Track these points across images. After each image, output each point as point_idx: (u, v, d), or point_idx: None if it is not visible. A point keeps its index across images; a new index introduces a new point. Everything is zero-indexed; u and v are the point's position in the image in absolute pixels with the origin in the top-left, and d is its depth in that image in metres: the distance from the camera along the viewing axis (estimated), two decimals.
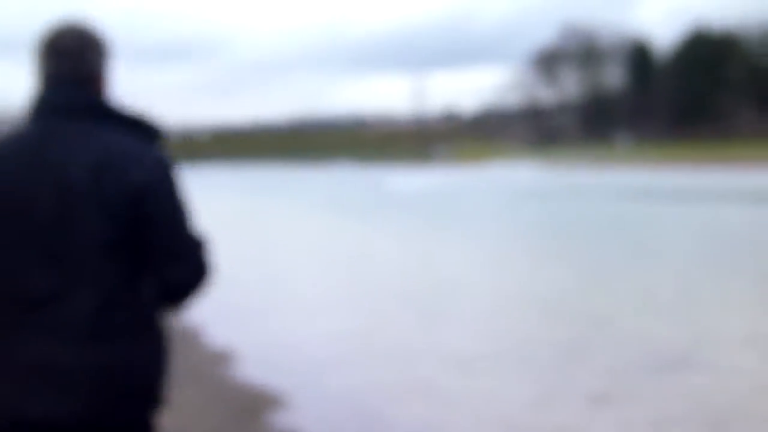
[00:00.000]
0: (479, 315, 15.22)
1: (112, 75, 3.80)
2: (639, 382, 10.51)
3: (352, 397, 10.33)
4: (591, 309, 15.49)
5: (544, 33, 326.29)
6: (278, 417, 9.37)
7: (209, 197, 67.48)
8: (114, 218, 3.46)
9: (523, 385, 10.54)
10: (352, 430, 9.14)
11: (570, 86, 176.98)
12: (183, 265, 3.55)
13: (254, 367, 11.74)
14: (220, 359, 12.10)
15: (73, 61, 3.62)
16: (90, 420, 3.46)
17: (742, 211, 36.46)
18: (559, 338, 12.91)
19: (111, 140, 3.54)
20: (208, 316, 15.70)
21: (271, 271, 22.61)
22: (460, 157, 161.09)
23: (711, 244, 25.73)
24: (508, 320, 14.62)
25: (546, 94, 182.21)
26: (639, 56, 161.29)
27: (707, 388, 10.16)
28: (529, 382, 10.65)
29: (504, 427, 9.05)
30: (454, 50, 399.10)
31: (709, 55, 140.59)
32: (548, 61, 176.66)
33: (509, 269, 21.67)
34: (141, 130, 3.67)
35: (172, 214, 3.54)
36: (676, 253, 23.79)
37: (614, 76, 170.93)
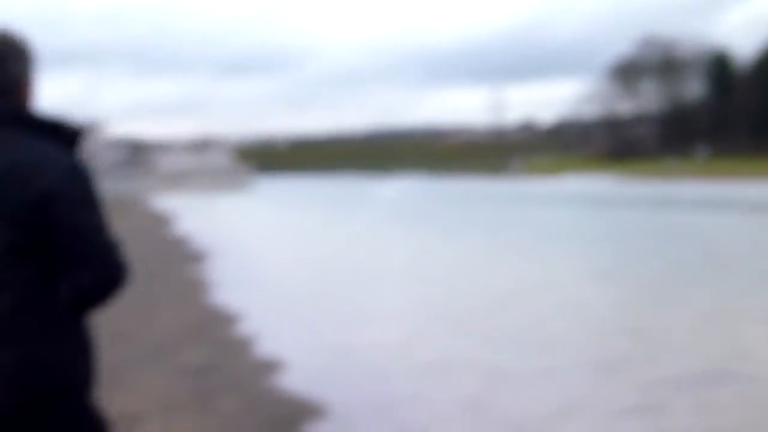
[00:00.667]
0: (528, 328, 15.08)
1: (37, 82, 3.82)
2: (673, 394, 10.32)
3: (393, 410, 10.29)
4: (640, 323, 15.25)
5: (622, 44, 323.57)
6: (315, 427, 9.35)
7: (280, 208, 68.10)
8: (19, 225, 3.50)
9: (553, 397, 10.40)
10: None
11: (648, 97, 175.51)
12: (92, 270, 3.57)
13: (299, 377, 11.74)
14: (265, 369, 12.10)
15: None
16: (3, 420, 3.51)
17: None
18: (604, 351, 12.74)
19: (26, 148, 3.58)
20: (259, 325, 15.81)
21: (327, 283, 22.67)
22: (536, 169, 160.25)
23: None
24: (552, 333, 14.44)
25: (624, 106, 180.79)
26: (719, 67, 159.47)
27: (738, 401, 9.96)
28: (561, 395, 10.51)
29: None
30: (531, 62, 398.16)
31: None
32: (626, 73, 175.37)
33: (561, 280, 21.43)
34: (61, 137, 3.69)
35: (81, 219, 3.57)
36: (741, 266, 23.34)
37: (693, 88, 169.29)
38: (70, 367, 3.64)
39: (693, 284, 20.04)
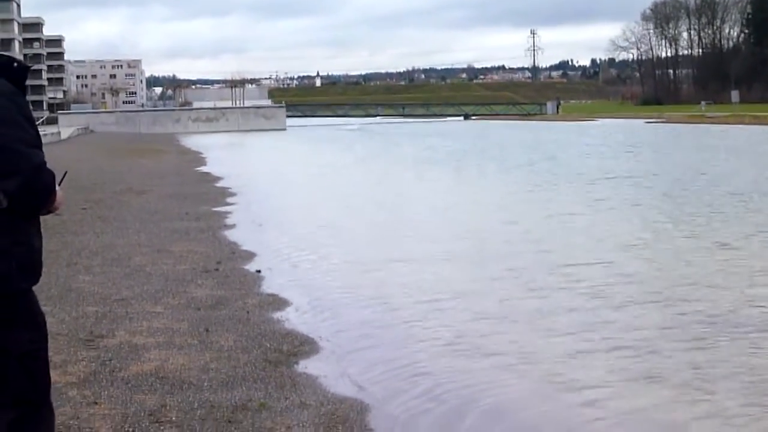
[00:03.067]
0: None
1: None
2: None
3: (386, 348, 10.64)
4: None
5: None
6: (307, 364, 9.69)
7: (313, 145, 68.18)
8: None
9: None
10: (376, 376, 9.42)
11: (686, 42, 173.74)
12: (17, 176, 4.26)
13: (298, 314, 12.12)
14: (269, 305, 12.45)
15: None
16: None
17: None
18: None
19: None
20: (272, 263, 16.20)
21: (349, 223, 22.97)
22: (573, 111, 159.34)
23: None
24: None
25: (661, 51, 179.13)
26: (758, 10, 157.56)
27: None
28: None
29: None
30: (570, 5, 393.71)
31: None
32: (665, 16, 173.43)
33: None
34: (4, 72, 4.41)
35: (6, 136, 4.24)
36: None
37: (733, 31, 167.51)
38: (5, 257, 4.30)
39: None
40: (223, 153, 62.78)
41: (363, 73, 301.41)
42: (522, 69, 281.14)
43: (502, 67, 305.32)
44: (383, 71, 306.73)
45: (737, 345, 10.44)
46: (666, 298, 12.93)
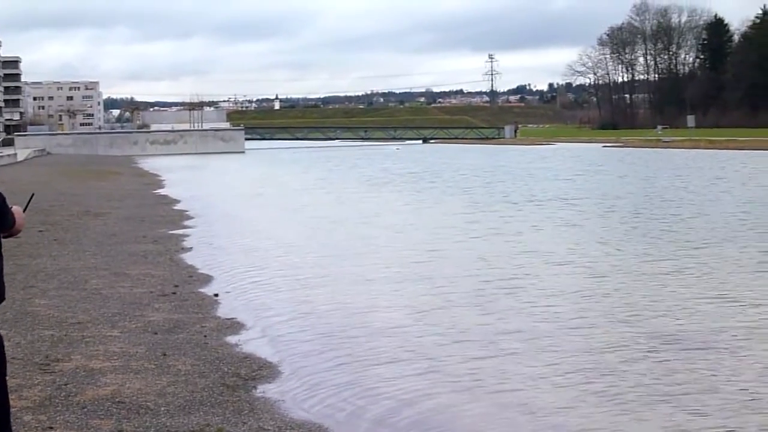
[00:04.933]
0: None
1: None
2: None
3: (344, 370, 10.62)
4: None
5: (617, 12, 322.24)
6: (266, 388, 9.65)
7: (269, 168, 68.02)
8: None
9: None
10: (338, 401, 9.40)
11: (643, 66, 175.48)
12: None
13: (256, 338, 12.08)
14: (227, 329, 12.40)
15: None
16: None
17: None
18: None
19: None
20: (229, 286, 16.16)
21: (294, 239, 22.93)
22: (531, 135, 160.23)
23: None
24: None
25: (618, 76, 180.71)
26: (713, 35, 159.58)
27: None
28: None
29: None
30: (528, 30, 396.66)
31: None
32: (621, 41, 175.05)
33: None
34: None
35: None
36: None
37: (688, 57, 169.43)
38: None
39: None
40: (181, 175, 62.58)
41: (322, 96, 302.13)
42: (480, 93, 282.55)
43: (461, 91, 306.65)
44: (342, 94, 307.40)
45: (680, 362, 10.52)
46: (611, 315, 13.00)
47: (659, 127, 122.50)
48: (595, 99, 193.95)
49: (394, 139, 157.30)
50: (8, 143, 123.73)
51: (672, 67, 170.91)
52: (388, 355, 11.24)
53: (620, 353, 11.19)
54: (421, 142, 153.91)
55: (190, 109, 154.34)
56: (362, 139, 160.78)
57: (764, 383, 9.88)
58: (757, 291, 15.23)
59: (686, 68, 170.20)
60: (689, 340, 11.78)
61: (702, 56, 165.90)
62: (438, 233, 24.75)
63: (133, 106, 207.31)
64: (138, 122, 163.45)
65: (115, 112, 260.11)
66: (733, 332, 12.18)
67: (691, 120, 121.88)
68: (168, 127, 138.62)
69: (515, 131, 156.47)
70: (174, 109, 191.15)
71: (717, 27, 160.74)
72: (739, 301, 14.31)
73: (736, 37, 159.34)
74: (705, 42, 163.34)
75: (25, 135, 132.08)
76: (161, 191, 44.13)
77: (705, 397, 9.40)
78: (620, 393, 9.57)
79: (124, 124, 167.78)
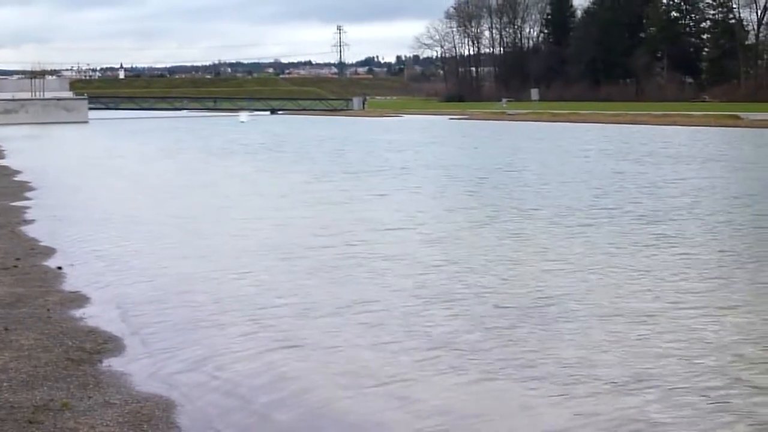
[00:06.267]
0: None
1: None
2: None
3: (191, 343, 10.59)
4: None
5: None
6: (111, 361, 9.58)
7: (113, 139, 66.88)
8: None
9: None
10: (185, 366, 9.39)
11: (489, 40, 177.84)
12: None
13: (102, 311, 11.95)
14: (71, 302, 12.24)
15: None
16: None
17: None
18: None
19: None
20: (70, 256, 15.91)
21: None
22: (379, 107, 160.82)
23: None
24: None
25: (465, 48, 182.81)
26: (557, 10, 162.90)
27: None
28: None
29: None
30: (376, 2, 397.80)
31: (626, 11, 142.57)
32: (467, 15, 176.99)
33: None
34: None
35: None
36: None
37: (533, 31, 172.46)
38: None
39: None
40: (22, 145, 60.89)
41: (169, 66, 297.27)
42: (329, 65, 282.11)
43: (309, 63, 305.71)
44: (189, 64, 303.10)
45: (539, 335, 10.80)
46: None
47: (504, 99, 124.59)
48: (442, 72, 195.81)
49: (242, 109, 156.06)
50: None
51: (517, 41, 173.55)
52: (234, 326, 11.24)
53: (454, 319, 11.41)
54: (269, 113, 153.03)
55: (31, 78, 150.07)
56: (210, 109, 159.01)
57: (597, 349, 10.20)
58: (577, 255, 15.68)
59: (531, 42, 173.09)
60: (521, 307, 12.06)
61: (546, 31, 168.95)
62: (280, 203, 24.70)
63: None
64: None
65: None
66: (559, 298, 12.52)
67: (534, 93, 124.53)
68: (8, 96, 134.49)
69: (363, 103, 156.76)
70: (15, 77, 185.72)
71: (561, 2, 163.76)
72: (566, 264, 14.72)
73: (578, 13, 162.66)
74: (549, 17, 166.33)
75: None
76: (2, 162, 42.94)
77: (539, 368, 9.67)
78: (459, 364, 9.77)
79: None
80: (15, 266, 14.72)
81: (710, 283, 13.59)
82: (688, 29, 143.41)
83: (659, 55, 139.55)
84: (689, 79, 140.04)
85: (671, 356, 9.82)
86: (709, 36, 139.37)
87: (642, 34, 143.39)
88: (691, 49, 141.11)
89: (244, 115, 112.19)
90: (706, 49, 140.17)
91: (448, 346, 10.33)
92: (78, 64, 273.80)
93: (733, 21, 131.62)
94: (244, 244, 17.73)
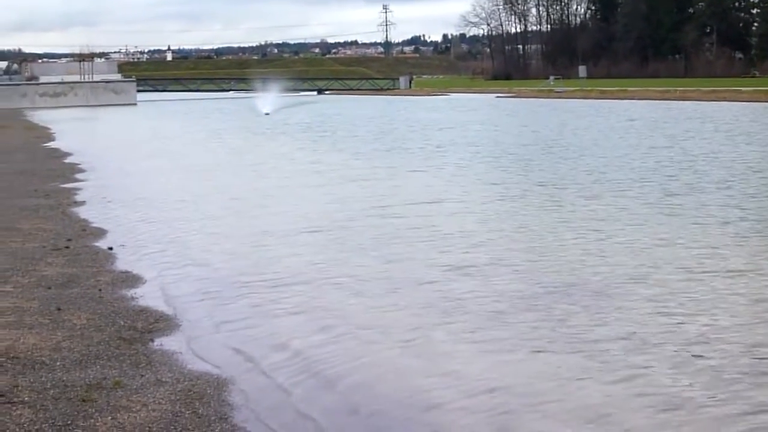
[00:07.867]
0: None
1: None
2: None
3: (241, 322, 10.62)
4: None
5: None
6: (163, 341, 9.64)
7: (162, 122, 67.18)
8: None
9: None
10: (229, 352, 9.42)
11: (536, 17, 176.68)
12: None
13: (152, 291, 12.01)
14: (123, 282, 12.33)
15: None
16: None
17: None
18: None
19: None
20: (121, 237, 16.01)
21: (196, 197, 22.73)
22: (426, 85, 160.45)
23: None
24: None
25: (512, 26, 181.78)
26: None
27: None
28: None
29: None
30: None
31: None
32: None
33: None
34: None
35: None
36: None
37: (580, 8, 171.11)
38: None
39: None
40: (72, 128, 61.36)
41: (215, 47, 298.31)
42: (375, 44, 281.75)
43: (355, 42, 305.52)
44: (236, 45, 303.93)
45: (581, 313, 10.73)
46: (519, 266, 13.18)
47: (551, 77, 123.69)
48: (488, 50, 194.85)
49: (289, 90, 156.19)
50: None
51: (564, 18, 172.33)
52: (285, 306, 11.26)
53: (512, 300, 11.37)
54: (316, 93, 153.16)
55: (80, 61, 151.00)
56: (257, 90, 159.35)
57: (647, 326, 10.13)
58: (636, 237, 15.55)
59: (578, 19, 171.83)
60: (580, 286, 11.99)
61: (593, 7, 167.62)
62: (333, 183, 24.69)
63: (21, 57, 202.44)
64: (26, 74, 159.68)
65: (2, 64, 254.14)
66: (620, 278, 12.44)
67: (582, 71, 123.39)
68: (58, 79, 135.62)
69: (410, 82, 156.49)
70: (64, 60, 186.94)
71: None
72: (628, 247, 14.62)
73: None
74: None
75: None
76: (52, 144, 43.30)
77: (596, 343, 9.62)
78: (507, 340, 9.74)
79: (12, 77, 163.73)
80: (66, 247, 14.84)
81: None
82: (737, 4, 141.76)
83: (708, 30, 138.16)
84: (739, 55, 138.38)
85: (722, 337, 9.71)
86: (758, 11, 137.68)
87: (690, 10, 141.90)
88: (741, 24, 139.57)
89: (267, 104, 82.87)
90: (755, 24, 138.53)
91: (496, 321, 10.29)
92: (126, 46, 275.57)
93: None
94: (297, 225, 17.65)
